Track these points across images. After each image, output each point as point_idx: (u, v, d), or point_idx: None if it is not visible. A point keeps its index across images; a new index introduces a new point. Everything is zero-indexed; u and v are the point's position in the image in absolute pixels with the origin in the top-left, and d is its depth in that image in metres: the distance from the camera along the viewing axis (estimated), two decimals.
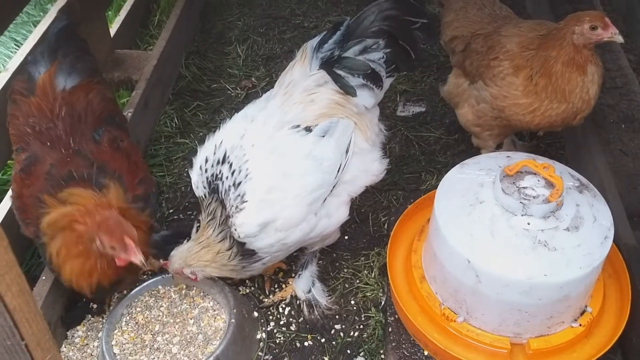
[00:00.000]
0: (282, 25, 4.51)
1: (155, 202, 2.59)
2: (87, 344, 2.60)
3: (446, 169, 2.54)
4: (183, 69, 4.05)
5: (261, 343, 2.60)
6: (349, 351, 2.58)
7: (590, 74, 2.61)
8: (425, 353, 2.41)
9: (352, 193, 2.49)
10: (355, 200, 2.91)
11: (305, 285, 2.70)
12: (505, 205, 2.17)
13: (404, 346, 2.44)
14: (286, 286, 2.80)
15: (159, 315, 2.60)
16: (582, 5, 3.75)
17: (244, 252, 2.34)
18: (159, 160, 3.44)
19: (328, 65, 2.37)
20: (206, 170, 2.35)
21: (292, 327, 2.67)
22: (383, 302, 2.70)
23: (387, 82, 2.50)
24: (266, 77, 4.02)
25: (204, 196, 2.36)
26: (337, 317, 2.70)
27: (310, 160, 2.31)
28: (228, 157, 2.31)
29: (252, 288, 2.82)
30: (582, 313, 2.28)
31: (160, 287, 2.70)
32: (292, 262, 2.86)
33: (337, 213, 2.46)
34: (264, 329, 2.65)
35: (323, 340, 2.62)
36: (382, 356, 2.53)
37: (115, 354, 2.45)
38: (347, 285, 2.81)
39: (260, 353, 2.57)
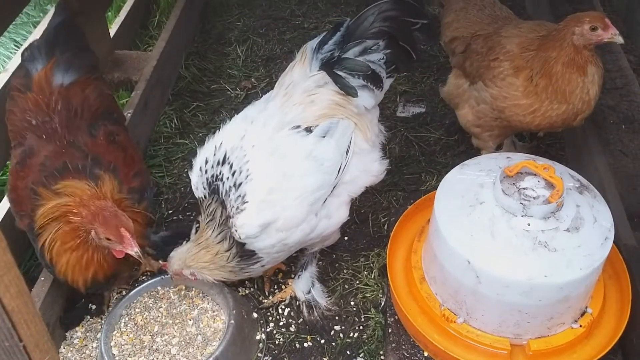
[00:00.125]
0: (282, 26, 4.51)
1: (153, 196, 2.58)
2: (85, 345, 2.59)
3: (446, 170, 2.54)
4: (183, 69, 4.05)
5: (260, 344, 2.60)
6: (348, 352, 2.58)
7: (591, 75, 2.61)
8: (425, 354, 2.41)
9: (352, 193, 2.49)
10: (355, 201, 2.91)
11: (304, 286, 2.70)
12: (506, 206, 2.17)
13: (403, 347, 2.44)
14: (286, 287, 2.79)
15: (158, 316, 2.60)
16: (582, 6, 3.76)
17: (244, 253, 2.34)
18: (159, 161, 3.44)
19: (328, 66, 2.37)
20: (206, 172, 2.35)
21: (292, 328, 2.67)
22: (383, 303, 2.70)
23: (387, 83, 2.50)
24: (266, 78, 4.02)
25: (203, 197, 2.36)
26: (336, 318, 2.70)
27: (310, 161, 2.31)
28: (228, 158, 2.31)
29: (252, 289, 2.81)
30: (583, 314, 2.27)
31: (159, 288, 2.70)
32: (292, 263, 2.86)
33: (337, 213, 2.45)
34: (263, 330, 2.64)
35: (323, 341, 2.62)
36: (382, 357, 2.52)
37: (114, 355, 2.45)
38: (346, 286, 2.81)
39: (259, 354, 2.57)
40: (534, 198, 2.16)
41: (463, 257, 2.15)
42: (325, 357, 2.56)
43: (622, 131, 3.14)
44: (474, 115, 2.94)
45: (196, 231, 2.48)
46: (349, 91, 2.37)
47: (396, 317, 2.53)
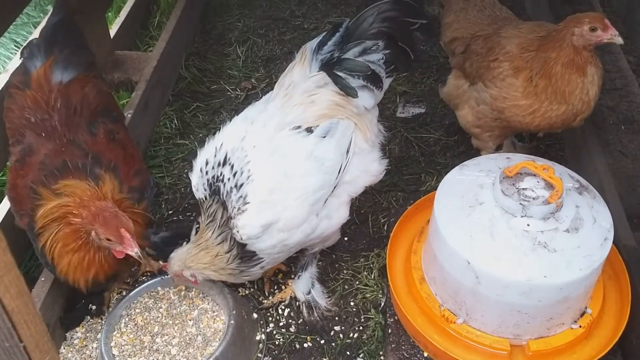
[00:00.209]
0: (282, 27, 4.52)
1: (152, 196, 2.58)
2: (86, 346, 2.59)
3: (446, 170, 2.54)
4: (183, 70, 4.05)
5: (260, 344, 2.60)
6: (348, 352, 2.58)
7: (590, 76, 2.61)
8: (425, 354, 2.41)
9: (352, 193, 2.49)
10: (355, 201, 2.91)
11: (304, 286, 2.70)
12: (505, 206, 2.17)
13: (403, 347, 2.44)
14: (286, 287, 2.79)
15: (158, 317, 2.60)
16: (581, 6, 3.76)
17: (244, 254, 2.34)
18: (159, 162, 3.44)
19: (328, 66, 2.38)
20: (207, 173, 2.35)
21: (292, 329, 2.67)
22: (383, 304, 2.70)
23: (386, 83, 2.50)
24: (266, 79, 4.03)
25: (204, 198, 2.35)
26: (336, 318, 2.70)
27: (311, 161, 2.31)
28: (229, 159, 2.31)
29: (252, 289, 2.81)
30: (582, 314, 2.27)
31: (159, 288, 2.70)
32: (292, 263, 2.86)
33: (338, 213, 2.46)
34: (263, 330, 2.65)
35: (322, 341, 2.62)
36: (382, 357, 2.52)
37: (114, 355, 2.45)
38: (346, 287, 2.81)
39: (259, 354, 2.57)
40: (534, 199, 2.16)
41: (463, 257, 2.15)
42: (325, 358, 2.56)
43: (622, 132, 3.14)
44: (474, 115, 2.94)
45: (196, 232, 2.48)
46: (349, 92, 2.37)
47: (396, 317, 2.53)
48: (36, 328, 1.23)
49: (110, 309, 2.68)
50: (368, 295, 2.75)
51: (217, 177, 2.31)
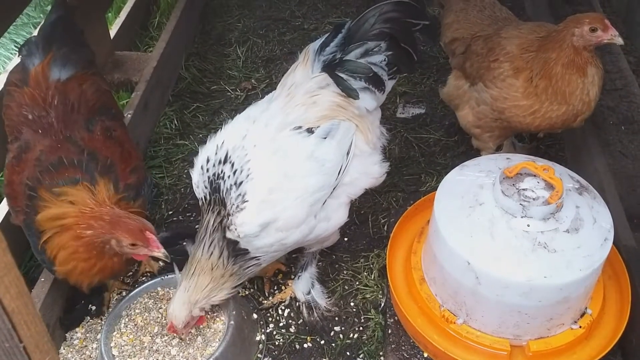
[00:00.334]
0: (282, 27, 4.52)
1: (149, 194, 2.58)
2: (85, 346, 2.59)
3: (446, 171, 2.54)
4: (183, 70, 4.05)
5: (260, 345, 2.60)
6: (348, 353, 2.58)
7: (591, 76, 2.61)
8: (425, 355, 2.41)
9: (351, 195, 2.49)
10: (355, 201, 2.91)
11: (304, 286, 2.70)
12: (505, 207, 2.17)
13: (403, 348, 2.44)
14: (285, 288, 2.79)
15: (158, 317, 2.60)
16: (581, 7, 3.76)
17: (236, 252, 2.32)
18: (159, 162, 3.44)
19: (330, 68, 2.38)
20: (207, 170, 2.35)
21: (292, 329, 2.67)
22: (383, 304, 2.70)
23: (389, 85, 2.50)
24: (266, 79, 4.03)
25: (204, 198, 2.35)
26: (336, 318, 2.70)
27: (312, 162, 2.31)
28: (230, 157, 2.31)
29: (252, 290, 2.81)
30: (582, 315, 2.27)
31: (159, 289, 2.69)
32: (292, 263, 2.86)
33: (337, 215, 2.45)
34: (263, 330, 2.64)
35: (322, 342, 2.62)
36: (382, 358, 2.52)
37: (114, 355, 2.45)
38: (346, 287, 2.81)
39: (259, 355, 2.57)
40: (534, 199, 2.16)
41: (463, 258, 2.15)
42: (325, 358, 2.56)
43: (622, 132, 3.14)
44: (474, 116, 2.94)
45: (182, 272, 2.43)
46: (350, 93, 2.37)
47: (396, 318, 2.53)
48: (36, 328, 1.23)
49: (110, 310, 2.68)
50: (368, 296, 2.75)
51: (218, 174, 2.31)
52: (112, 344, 2.50)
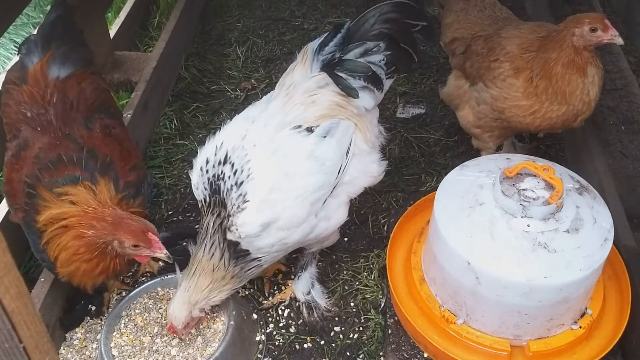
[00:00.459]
0: (281, 27, 4.51)
1: (149, 192, 2.57)
2: (85, 346, 2.59)
3: (446, 171, 2.54)
4: (182, 70, 4.05)
5: (260, 345, 2.60)
6: (348, 353, 2.57)
7: (591, 76, 2.61)
8: (425, 355, 2.41)
9: (351, 194, 2.49)
10: (355, 202, 2.91)
11: (304, 287, 2.70)
12: (505, 207, 2.17)
13: (403, 348, 2.44)
14: (285, 288, 2.79)
15: (158, 317, 2.59)
16: (581, 7, 3.76)
17: (237, 253, 2.32)
18: (158, 162, 3.44)
19: (329, 67, 2.38)
20: (207, 171, 2.34)
21: (292, 329, 2.67)
22: (383, 304, 2.70)
23: (387, 84, 2.50)
24: (266, 79, 4.02)
25: (203, 200, 2.34)
26: (336, 319, 2.69)
27: (312, 161, 2.31)
28: (229, 157, 2.31)
29: (252, 290, 2.81)
30: (582, 315, 2.27)
31: (159, 289, 2.69)
32: (292, 264, 2.86)
33: (337, 214, 2.45)
34: (263, 331, 2.64)
35: (322, 342, 2.62)
36: (382, 358, 2.52)
37: (114, 356, 2.45)
38: (346, 287, 2.81)
39: (259, 355, 2.57)
40: (534, 199, 2.16)
41: (463, 258, 2.15)
42: (325, 358, 2.56)
43: (622, 132, 3.14)
44: (475, 116, 2.94)
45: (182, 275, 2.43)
46: (350, 92, 2.37)
47: (396, 318, 2.53)
48: (36, 329, 1.22)
49: (109, 310, 2.68)
50: (368, 296, 2.75)
51: (218, 175, 2.31)
52: (112, 344, 2.50)
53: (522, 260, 2.09)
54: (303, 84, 2.40)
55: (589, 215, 2.20)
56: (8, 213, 2.63)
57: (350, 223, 3.02)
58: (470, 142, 3.15)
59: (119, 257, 2.27)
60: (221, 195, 2.28)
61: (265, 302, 2.76)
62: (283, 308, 2.74)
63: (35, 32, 3.00)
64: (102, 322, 2.63)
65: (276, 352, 2.59)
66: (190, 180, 2.44)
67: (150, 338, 2.52)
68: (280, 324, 2.69)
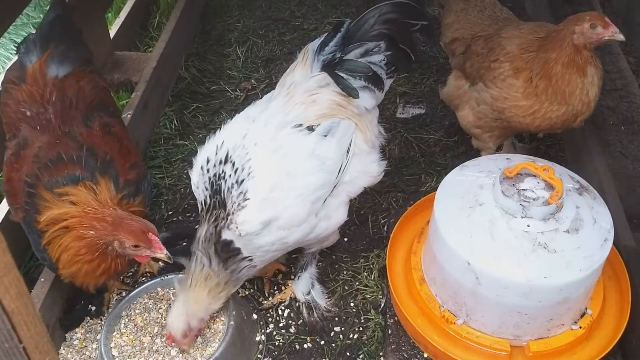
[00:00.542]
0: (281, 27, 4.52)
1: (149, 190, 2.57)
2: (85, 346, 2.59)
3: (446, 171, 2.54)
4: (183, 70, 4.05)
5: (260, 345, 2.60)
6: (348, 353, 2.57)
7: (590, 76, 2.61)
8: (425, 355, 2.41)
9: (351, 194, 2.49)
10: (355, 202, 2.91)
11: (304, 287, 2.70)
12: (505, 207, 2.17)
13: (403, 348, 2.44)
14: (285, 288, 2.79)
15: (158, 318, 2.59)
16: (581, 7, 3.76)
17: (227, 254, 2.30)
18: (158, 162, 3.44)
19: (330, 67, 2.38)
20: (208, 171, 2.34)
21: (292, 329, 2.67)
22: (382, 304, 2.70)
23: (387, 84, 2.50)
24: (266, 79, 4.02)
25: (203, 202, 2.34)
26: (336, 319, 2.69)
27: (313, 160, 2.31)
28: (230, 156, 2.31)
29: (252, 290, 2.81)
30: (582, 315, 2.27)
31: (159, 289, 2.69)
32: (292, 264, 2.86)
33: (336, 214, 2.45)
34: (263, 331, 2.64)
35: (322, 342, 2.62)
36: (382, 358, 2.52)
37: (114, 356, 2.45)
38: (346, 287, 2.81)
39: (259, 355, 2.57)
40: (534, 199, 2.16)
41: (463, 258, 2.15)
42: (325, 359, 2.56)
43: (622, 132, 3.14)
44: (475, 116, 2.94)
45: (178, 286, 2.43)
46: (350, 92, 2.37)
47: (396, 318, 2.53)
48: (36, 329, 1.22)
49: (110, 310, 2.68)
50: (368, 296, 2.75)
51: (219, 174, 2.30)
52: (112, 345, 2.50)
53: (522, 260, 2.09)
54: (304, 84, 2.40)
55: (589, 216, 2.20)
56: (8, 213, 2.63)
57: (350, 223, 3.02)
58: (470, 143, 3.15)
59: (119, 257, 2.27)
60: (222, 195, 2.28)
61: (265, 302, 2.76)
62: (283, 308, 2.74)
63: (34, 32, 3.01)
64: (102, 322, 2.63)
65: (276, 352, 2.59)
66: (190, 180, 2.43)
67: (150, 338, 2.52)
68: (280, 324, 2.69)
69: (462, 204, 2.26)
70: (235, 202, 2.25)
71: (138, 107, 3.34)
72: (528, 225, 2.13)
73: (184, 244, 2.77)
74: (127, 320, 2.59)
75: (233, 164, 2.29)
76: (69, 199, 2.24)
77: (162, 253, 2.23)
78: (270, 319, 2.71)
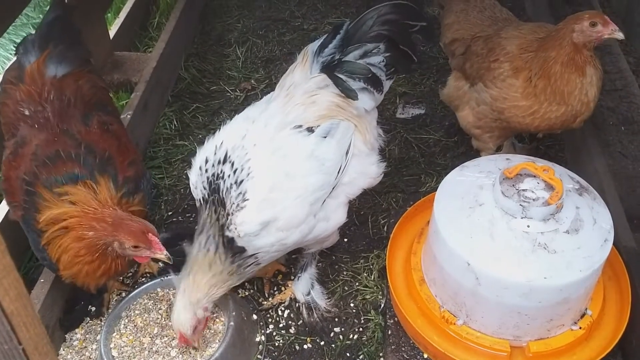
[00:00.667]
0: (281, 28, 4.52)
1: (148, 189, 2.57)
2: (85, 347, 2.59)
3: (446, 172, 2.54)
4: (182, 71, 4.05)
5: (260, 346, 2.60)
6: (348, 354, 2.57)
7: (589, 76, 2.61)
8: (425, 356, 2.41)
9: (350, 195, 2.49)
10: (355, 202, 2.91)
11: (304, 287, 2.70)
12: (505, 207, 2.17)
13: (403, 349, 2.44)
14: (285, 289, 2.79)
15: (158, 318, 2.59)
16: (581, 7, 3.76)
17: (234, 250, 2.29)
18: (158, 163, 3.44)
19: (329, 69, 2.38)
20: (206, 171, 2.34)
21: (292, 330, 2.67)
22: (382, 305, 2.70)
23: (386, 85, 2.50)
24: (265, 79, 4.02)
25: (202, 200, 2.34)
26: (336, 319, 2.69)
27: (312, 161, 2.31)
28: (229, 156, 2.30)
29: (251, 291, 2.81)
30: (582, 316, 2.27)
31: (159, 289, 2.69)
32: (291, 264, 2.86)
33: (335, 215, 2.45)
34: (263, 331, 2.64)
35: (322, 343, 2.62)
36: (382, 359, 2.52)
37: (113, 356, 2.45)
38: (346, 288, 2.81)
39: (259, 356, 2.57)
40: (534, 200, 2.16)
41: (462, 258, 2.15)
42: (325, 359, 2.56)
43: (622, 133, 3.14)
44: (474, 116, 2.94)
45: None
46: (349, 94, 2.37)
47: (396, 318, 2.53)
48: (35, 330, 1.22)
49: (109, 311, 2.68)
50: (368, 297, 2.75)
51: (218, 174, 2.30)
52: (112, 345, 2.50)
53: (522, 260, 2.09)
54: (303, 85, 2.40)
55: (589, 216, 2.20)
56: (8, 213, 2.63)
57: (350, 224, 3.02)
58: (470, 143, 3.15)
59: (120, 258, 2.27)
60: (220, 194, 2.28)
61: (265, 302, 2.76)
62: (283, 309, 2.74)
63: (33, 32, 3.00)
64: (102, 323, 2.63)
65: (276, 353, 2.59)
66: (189, 180, 2.43)
67: (150, 339, 2.52)
68: (280, 325, 2.69)
69: (462, 204, 2.26)
70: (234, 203, 2.25)
71: (138, 108, 3.33)
72: (528, 226, 2.13)
73: (184, 244, 2.76)
74: (127, 321, 2.59)
75: (232, 164, 2.29)
76: (69, 199, 2.24)
77: (162, 254, 2.23)
78: (270, 320, 2.70)
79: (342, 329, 2.66)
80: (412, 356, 2.41)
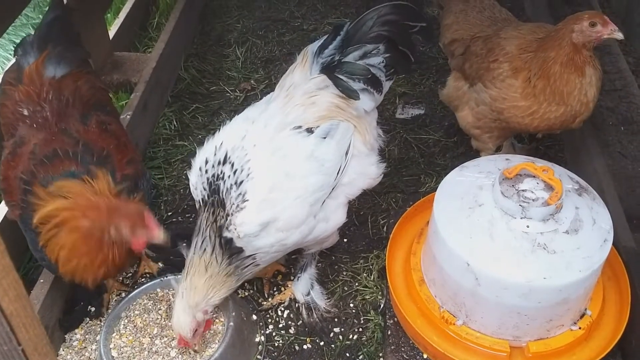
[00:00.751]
0: (281, 28, 4.52)
1: (147, 187, 2.56)
2: (85, 347, 2.59)
3: (445, 172, 2.54)
4: (182, 71, 4.05)
5: (260, 346, 2.60)
6: (348, 354, 2.57)
7: (589, 77, 2.61)
8: (425, 356, 2.41)
9: (349, 196, 2.49)
10: (354, 202, 2.91)
11: (304, 288, 2.70)
12: (505, 208, 2.17)
13: (403, 349, 2.44)
14: (285, 289, 2.79)
15: (157, 319, 2.59)
16: (580, 8, 3.76)
17: (231, 250, 2.29)
18: (158, 163, 3.44)
19: (329, 70, 2.38)
20: (206, 171, 2.34)
21: (291, 330, 2.67)
22: (382, 305, 2.70)
23: (386, 86, 2.51)
24: (265, 80, 4.02)
25: (201, 201, 2.34)
26: (336, 320, 2.69)
27: (312, 162, 2.31)
28: (229, 157, 2.30)
29: (251, 291, 2.81)
30: (582, 316, 2.27)
31: (158, 290, 2.69)
32: (291, 265, 2.86)
33: (335, 216, 2.45)
34: (262, 332, 2.64)
35: (322, 343, 2.62)
36: (381, 359, 2.52)
37: (113, 357, 2.44)
38: (346, 288, 2.81)
39: (259, 356, 2.57)
40: (533, 200, 2.16)
41: (462, 259, 2.15)
42: (325, 359, 2.56)
43: (621, 133, 3.14)
44: (474, 116, 2.94)
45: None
46: (350, 94, 2.37)
47: (395, 319, 2.53)
48: (34, 331, 1.22)
49: (109, 311, 2.68)
50: (367, 297, 2.75)
51: (218, 175, 2.30)
52: (112, 346, 2.50)
53: (522, 261, 2.09)
54: (303, 86, 2.40)
55: (589, 216, 2.20)
56: (7, 214, 2.63)
57: (350, 224, 3.02)
58: (470, 143, 3.15)
59: (117, 246, 2.25)
60: (220, 195, 2.27)
61: (265, 303, 2.76)
62: (282, 309, 2.74)
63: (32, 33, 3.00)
64: (102, 323, 2.63)
65: (276, 353, 2.59)
66: (189, 180, 2.43)
67: (149, 339, 2.52)
68: (280, 325, 2.69)
69: (461, 204, 2.26)
70: (234, 204, 2.25)
71: (137, 108, 3.33)
72: (527, 226, 2.13)
73: (184, 244, 2.76)
74: (126, 321, 2.58)
75: (232, 165, 2.29)
76: (61, 193, 2.23)
77: (159, 232, 2.21)
78: (269, 320, 2.70)
79: (342, 329, 2.66)
80: (411, 356, 2.41)
